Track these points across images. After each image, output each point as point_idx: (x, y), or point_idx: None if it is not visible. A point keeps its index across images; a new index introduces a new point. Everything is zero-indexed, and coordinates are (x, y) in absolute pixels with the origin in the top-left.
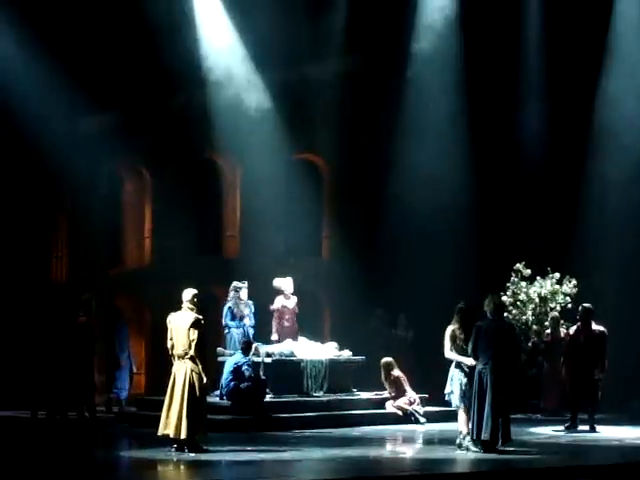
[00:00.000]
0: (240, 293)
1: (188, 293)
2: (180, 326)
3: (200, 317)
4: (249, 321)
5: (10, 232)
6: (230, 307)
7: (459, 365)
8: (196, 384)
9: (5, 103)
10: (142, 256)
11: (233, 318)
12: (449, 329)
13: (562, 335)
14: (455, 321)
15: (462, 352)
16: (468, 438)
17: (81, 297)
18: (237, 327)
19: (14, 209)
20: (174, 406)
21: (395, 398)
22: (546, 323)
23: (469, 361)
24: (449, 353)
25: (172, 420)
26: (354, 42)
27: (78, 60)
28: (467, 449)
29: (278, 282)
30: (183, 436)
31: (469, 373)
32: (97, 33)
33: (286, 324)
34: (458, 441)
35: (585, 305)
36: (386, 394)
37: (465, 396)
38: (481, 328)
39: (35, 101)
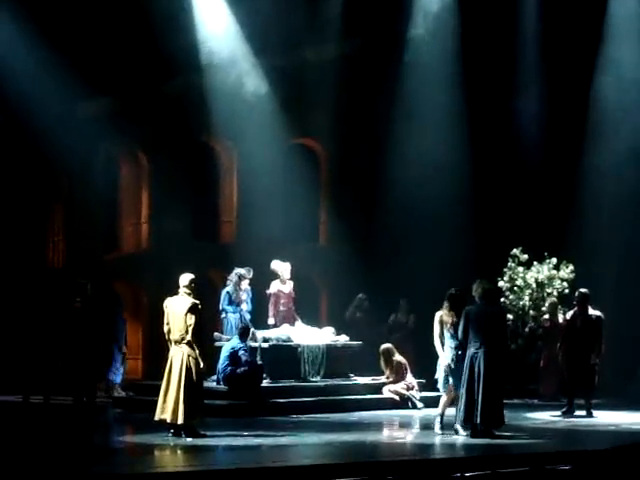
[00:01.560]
0: (242, 282)
1: (185, 278)
2: (177, 311)
3: (197, 302)
4: (246, 306)
5: (6, 217)
6: (229, 292)
7: (447, 351)
8: (193, 369)
9: (1, 87)
10: (139, 241)
11: (230, 303)
12: (438, 314)
13: (560, 320)
14: (444, 307)
15: (451, 337)
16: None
17: (77, 282)
18: (234, 312)
19: (10, 194)
20: (171, 391)
21: (394, 383)
22: (543, 308)
23: (442, 359)
24: (436, 340)
25: (169, 405)
26: (352, 26)
27: (75, 44)
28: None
29: (275, 264)
30: (180, 421)
31: (456, 359)
32: (95, 17)
33: (282, 308)
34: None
35: (581, 290)
36: (383, 379)
37: (448, 382)
38: (470, 313)
39: (32, 85)
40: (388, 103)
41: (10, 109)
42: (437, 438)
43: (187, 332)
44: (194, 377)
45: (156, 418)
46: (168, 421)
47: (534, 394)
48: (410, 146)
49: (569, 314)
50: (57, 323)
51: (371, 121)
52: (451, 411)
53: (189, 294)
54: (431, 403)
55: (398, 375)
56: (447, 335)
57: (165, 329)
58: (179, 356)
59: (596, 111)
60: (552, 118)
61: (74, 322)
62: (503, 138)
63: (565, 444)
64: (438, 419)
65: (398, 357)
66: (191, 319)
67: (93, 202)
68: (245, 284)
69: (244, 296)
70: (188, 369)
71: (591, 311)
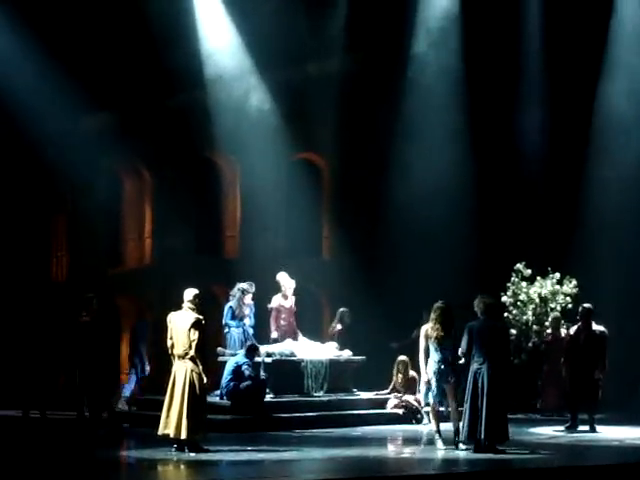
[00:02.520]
0: (245, 297)
1: (189, 293)
2: (180, 326)
3: (201, 317)
4: (249, 321)
5: (10, 231)
6: (232, 307)
7: (431, 364)
8: (196, 384)
9: (4, 102)
10: (142, 256)
11: (233, 318)
12: (423, 328)
13: (563, 335)
14: (431, 319)
15: (435, 350)
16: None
17: (83, 296)
18: (237, 327)
19: (14, 208)
20: (174, 406)
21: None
22: (546, 323)
23: (424, 375)
24: (421, 354)
25: (172, 420)
26: (355, 41)
27: (78, 59)
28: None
29: (282, 277)
30: (183, 436)
31: (438, 373)
32: (97, 32)
33: (283, 323)
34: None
35: (585, 305)
36: (388, 393)
37: (427, 395)
38: (473, 328)
39: (35, 100)
40: (391, 117)
41: (13, 123)
42: (440, 453)
43: (190, 347)
44: (197, 392)
45: (159, 433)
46: (171, 436)
47: (536, 409)
48: (413, 160)
49: (573, 329)
50: (62, 337)
51: (374, 135)
52: (446, 426)
53: (193, 309)
54: None
55: (409, 390)
56: (432, 349)
57: (168, 344)
58: (182, 371)
59: (601, 123)
60: (555, 132)
61: (81, 336)
62: (506, 152)
63: (568, 459)
64: (437, 435)
65: (411, 372)
66: (194, 334)
67: (96, 217)
68: (248, 299)
69: (247, 311)
70: (191, 384)
71: (595, 326)
